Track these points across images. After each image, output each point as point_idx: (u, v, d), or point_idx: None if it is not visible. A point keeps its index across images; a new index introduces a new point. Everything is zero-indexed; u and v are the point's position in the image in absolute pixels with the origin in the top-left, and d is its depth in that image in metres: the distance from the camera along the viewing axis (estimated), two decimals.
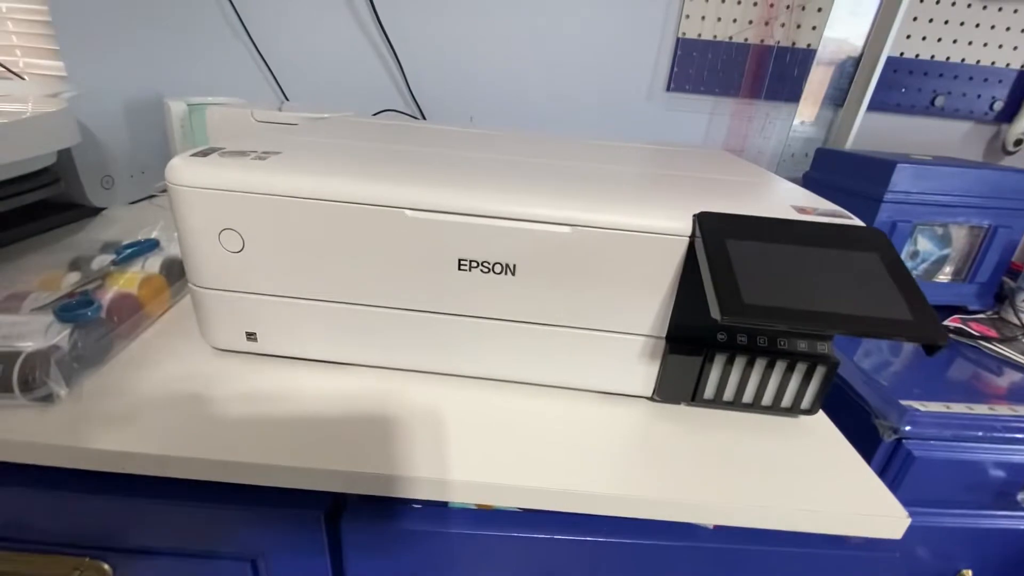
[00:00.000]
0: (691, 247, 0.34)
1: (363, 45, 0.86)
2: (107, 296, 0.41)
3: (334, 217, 0.35)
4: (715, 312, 0.29)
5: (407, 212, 0.34)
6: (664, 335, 0.37)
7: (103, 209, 0.68)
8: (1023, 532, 0.58)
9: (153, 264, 0.47)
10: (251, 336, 0.40)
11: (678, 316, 0.37)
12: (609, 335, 0.38)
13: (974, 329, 0.68)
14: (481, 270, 0.36)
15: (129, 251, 0.48)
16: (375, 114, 0.88)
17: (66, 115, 0.58)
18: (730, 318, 0.28)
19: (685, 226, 0.34)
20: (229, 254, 0.37)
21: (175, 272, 0.49)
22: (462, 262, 0.36)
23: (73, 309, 0.38)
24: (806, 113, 0.89)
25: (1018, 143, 0.87)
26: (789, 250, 0.33)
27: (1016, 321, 0.68)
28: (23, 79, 0.81)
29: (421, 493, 0.32)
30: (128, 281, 0.44)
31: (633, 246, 0.35)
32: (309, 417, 0.35)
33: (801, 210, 0.37)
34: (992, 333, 0.67)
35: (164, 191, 0.78)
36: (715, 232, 0.33)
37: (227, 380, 0.39)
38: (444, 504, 0.34)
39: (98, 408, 0.35)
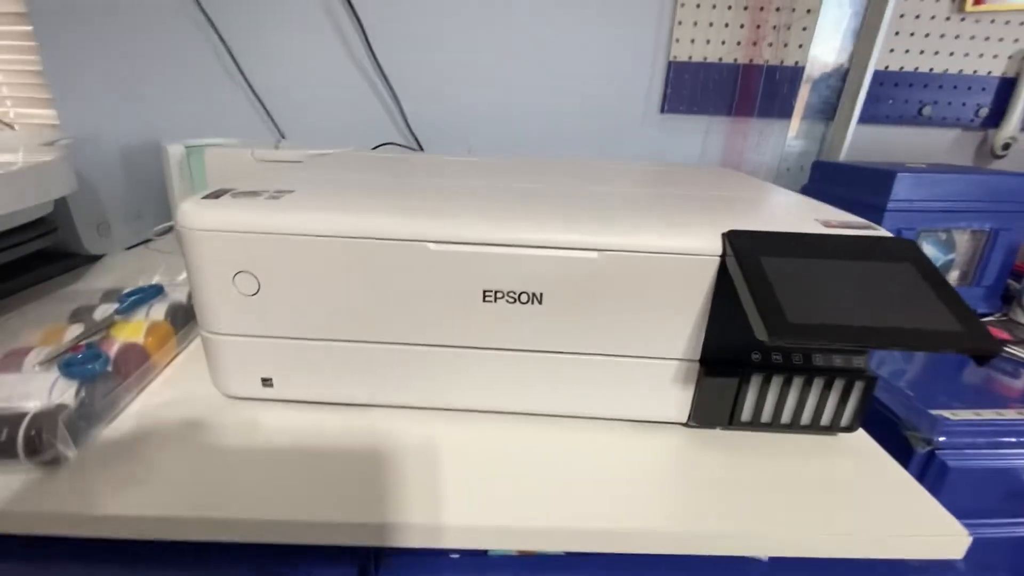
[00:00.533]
0: (722, 266, 0.34)
1: (358, 79, 0.87)
2: (113, 348, 0.39)
3: (355, 254, 0.34)
4: (761, 334, 0.28)
5: (430, 246, 0.33)
6: (698, 358, 0.36)
7: (100, 256, 0.67)
8: None
9: (158, 311, 0.46)
10: (267, 382, 0.38)
11: (711, 338, 0.36)
12: (641, 361, 0.37)
13: None
14: (507, 300, 0.35)
15: (132, 299, 0.46)
16: (375, 148, 0.87)
17: (62, 163, 0.57)
18: (778, 339, 0.27)
19: (715, 245, 0.33)
20: (244, 297, 0.35)
21: (180, 318, 0.47)
22: (487, 293, 0.35)
23: (79, 364, 0.36)
24: (798, 128, 0.90)
25: (1006, 147, 0.89)
26: (824, 265, 0.32)
27: None
28: (14, 129, 0.80)
29: (462, 542, 0.30)
30: (133, 330, 0.42)
31: (663, 268, 0.34)
32: (335, 466, 0.34)
33: (826, 224, 0.37)
34: (1005, 335, 0.67)
35: (161, 235, 0.77)
36: (748, 250, 0.32)
37: (244, 431, 0.37)
38: (484, 552, 0.32)
39: (109, 469, 0.32)
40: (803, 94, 0.88)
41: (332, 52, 0.85)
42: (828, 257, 0.33)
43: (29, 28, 0.83)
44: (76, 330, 0.42)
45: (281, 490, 0.31)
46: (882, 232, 0.35)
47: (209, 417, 0.38)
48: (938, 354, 0.64)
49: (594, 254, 0.34)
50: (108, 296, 0.48)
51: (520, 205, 0.39)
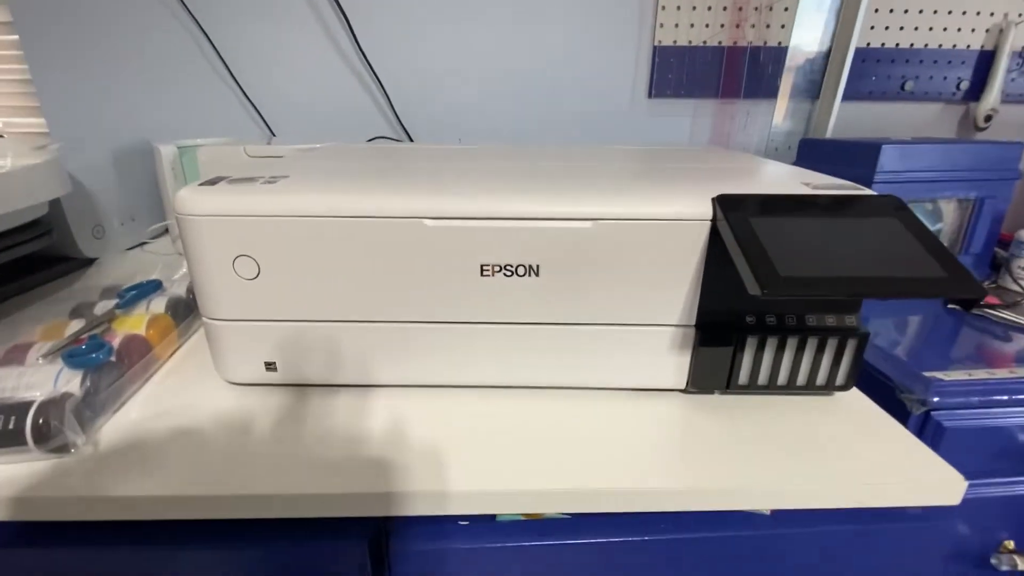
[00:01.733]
0: (713, 231, 0.34)
1: (346, 74, 0.87)
2: (116, 339, 0.39)
3: (352, 233, 0.34)
4: (753, 288, 0.29)
5: (426, 222, 0.34)
6: (693, 323, 0.37)
7: (95, 259, 0.67)
8: None
9: (158, 304, 0.46)
10: (270, 366, 0.39)
11: (706, 303, 0.36)
12: (638, 329, 0.37)
13: None
14: (504, 273, 0.36)
15: (132, 293, 0.46)
16: (368, 141, 0.88)
17: (53, 165, 0.57)
18: (770, 292, 0.28)
19: (705, 210, 0.34)
20: (244, 282, 0.36)
21: (180, 312, 0.47)
22: (484, 267, 0.35)
23: (83, 354, 0.36)
24: (784, 107, 0.91)
25: (988, 118, 0.90)
26: (813, 223, 0.33)
27: (1016, 287, 0.69)
28: (2, 137, 0.80)
29: (471, 508, 0.30)
30: (135, 323, 0.43)
31: (655, 235, 0.34)
32: (340, 443, 0.34)
33: (812, 186, 0.38)
34: (995, 300, 0.68)
35: (156, 236, 0.77)
36: (738, 212, 0.33)
37: (248, 415, 0.37)
38: (492, 517, 0.33)
39: (117, 455, 0.33)
40: (787, 74, 0.89)
41: (319, 48, 0.85)
42: (816, 215, 0.33)
43: (15, 37, 0.82)
44: (77, 325, 0.42)
45: (288, 468, 0.32)
46: (866, 191, 0.36)
47: (213, 403, 0.38)
48: (927, 304, 0.65)
49: (588, 223, 0.34)
50: (107, 293, 0.48)
51: (513, 181, 0.39)
